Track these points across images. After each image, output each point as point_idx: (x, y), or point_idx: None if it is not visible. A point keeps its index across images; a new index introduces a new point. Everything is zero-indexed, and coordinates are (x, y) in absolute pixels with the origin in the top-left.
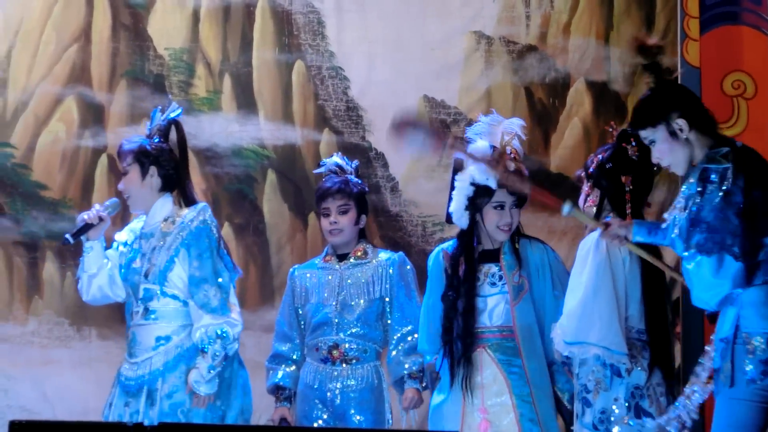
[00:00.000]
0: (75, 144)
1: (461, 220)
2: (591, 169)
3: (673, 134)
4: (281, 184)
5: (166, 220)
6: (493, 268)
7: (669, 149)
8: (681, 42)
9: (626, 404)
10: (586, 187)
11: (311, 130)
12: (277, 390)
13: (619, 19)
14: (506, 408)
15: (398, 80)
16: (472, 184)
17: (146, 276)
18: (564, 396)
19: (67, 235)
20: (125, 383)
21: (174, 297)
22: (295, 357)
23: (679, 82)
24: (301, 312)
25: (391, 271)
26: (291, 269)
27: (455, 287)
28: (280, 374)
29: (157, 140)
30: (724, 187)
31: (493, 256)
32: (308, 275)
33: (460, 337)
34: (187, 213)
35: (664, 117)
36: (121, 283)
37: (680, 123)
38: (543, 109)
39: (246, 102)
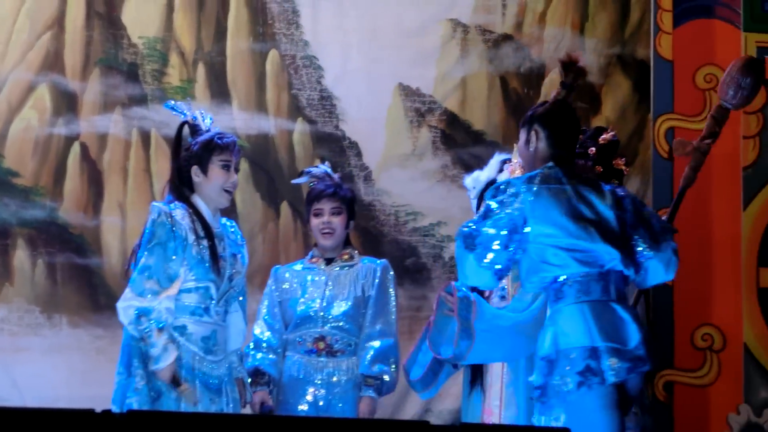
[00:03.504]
0: (47, 132)
1: None
2: None
3: (527, 141)
4: (254, 174)
5: (223, 227)
6: (503, 282)
7: (521, 152)
8: (654, 35)
9: None
10: None
11: (285, 119)
12: (255, 374)
13: (594, 10)
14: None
15: (373, 68)
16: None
17: (231, 280)
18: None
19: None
20: (207, 381)
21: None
22: (275, 345)
23: (651, 75)
24: (284, 307)
25: (376, 273)
26: (273, 268)
27: None
28: (259, 356)
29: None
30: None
31: None
32: (294, 273)
33: None
34: (234, 224)
35: (528, 124)
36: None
37: (533, 136)
38: (518, 98)
39: (219, 91)
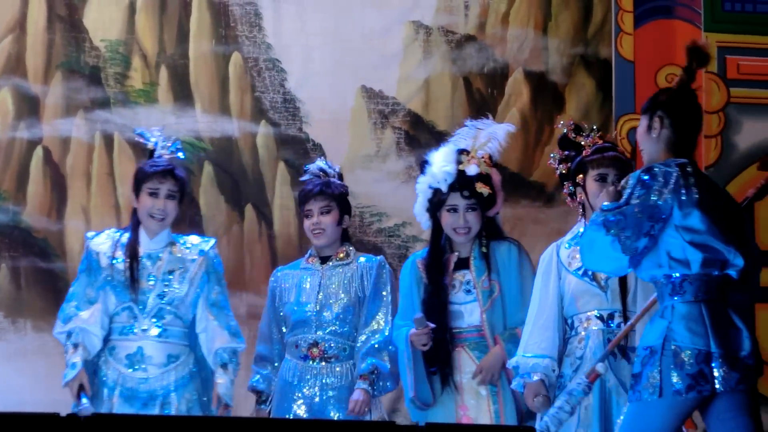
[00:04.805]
0: (10, 136)
1: (423, 221)
2: None
3: (649, 128)
4: (218, 177)
5: (173, 244)
6: (467, 275)
7: (643, 139)
8: (615, 36)
9: None
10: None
11: (248, 122)
12: (254, 392)
13: (557, 10)
14: (482, 401)
15: (336, 71)
16: (430, 186)
17: (162, 297)
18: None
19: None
20: (131, 395)
21: (184, 320)
22: (274, 359)
23: (613, 75)
24: (281, 312)
25: (371, 273)
26: (274, 270)
27: (431, 294)
28: (256, 377)
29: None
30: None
31: (466, 262)
32: (291, 275)
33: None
34: (201, 242)
35: (651, 110)
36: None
37: (656, 123)
38: (481, 99)
39: (182, 94)
